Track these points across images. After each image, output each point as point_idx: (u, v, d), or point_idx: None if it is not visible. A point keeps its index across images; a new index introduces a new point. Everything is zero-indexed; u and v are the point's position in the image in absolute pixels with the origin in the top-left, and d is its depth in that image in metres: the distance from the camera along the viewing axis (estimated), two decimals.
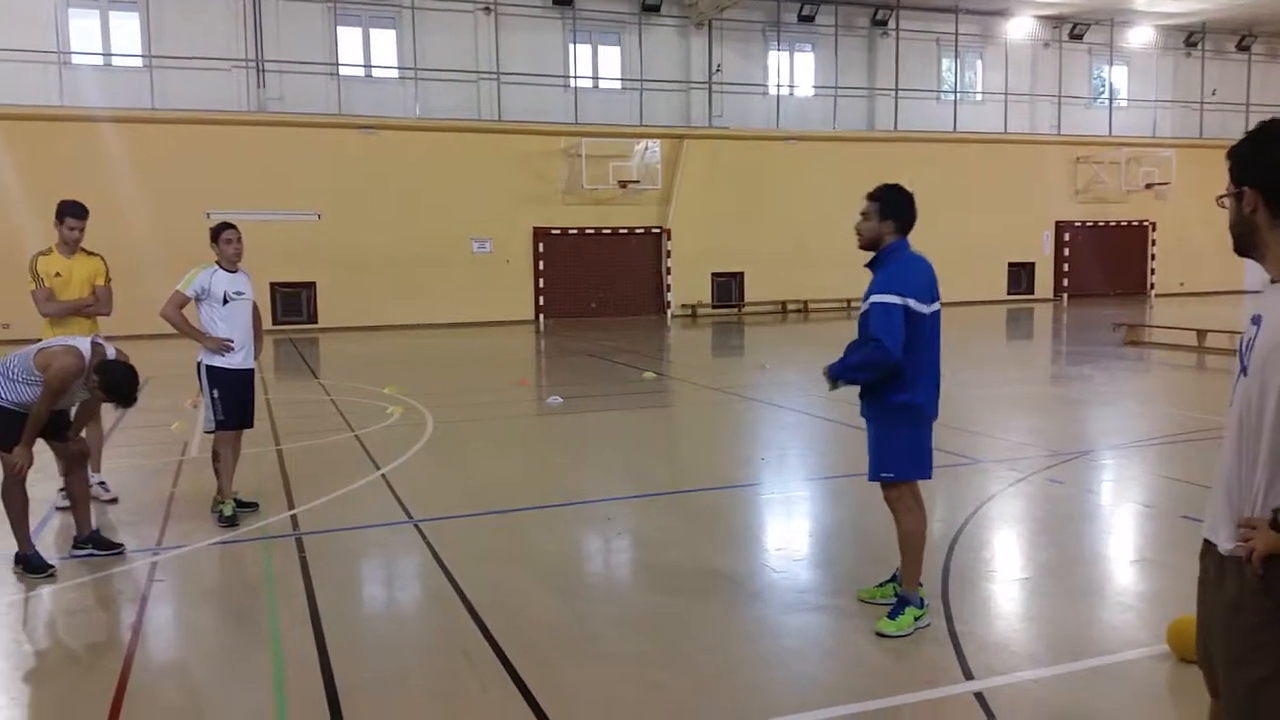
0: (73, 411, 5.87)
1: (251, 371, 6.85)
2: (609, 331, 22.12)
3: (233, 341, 6.60)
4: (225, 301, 6.59)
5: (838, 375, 4.52)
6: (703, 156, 26.43)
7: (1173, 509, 6.62)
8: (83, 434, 6.02)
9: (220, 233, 6.69)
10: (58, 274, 6.97)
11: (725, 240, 26.71)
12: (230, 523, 6.46)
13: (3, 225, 19.39)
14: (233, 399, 6.65)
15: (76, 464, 5.83)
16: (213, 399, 6.61)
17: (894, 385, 4.45)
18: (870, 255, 4.62)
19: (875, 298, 4.42)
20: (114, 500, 7.14)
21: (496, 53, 24.99)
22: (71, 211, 7.05)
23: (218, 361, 6.58)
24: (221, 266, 6.67)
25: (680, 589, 5.18)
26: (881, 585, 4.87)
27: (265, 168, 22.45)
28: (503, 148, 24.56)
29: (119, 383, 5.50)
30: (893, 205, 4.55)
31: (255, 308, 6.91)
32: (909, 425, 4.53)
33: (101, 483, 7.18)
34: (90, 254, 7.19)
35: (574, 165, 25.06)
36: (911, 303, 4.38)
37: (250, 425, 6.92)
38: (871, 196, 4.60)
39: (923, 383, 4.49)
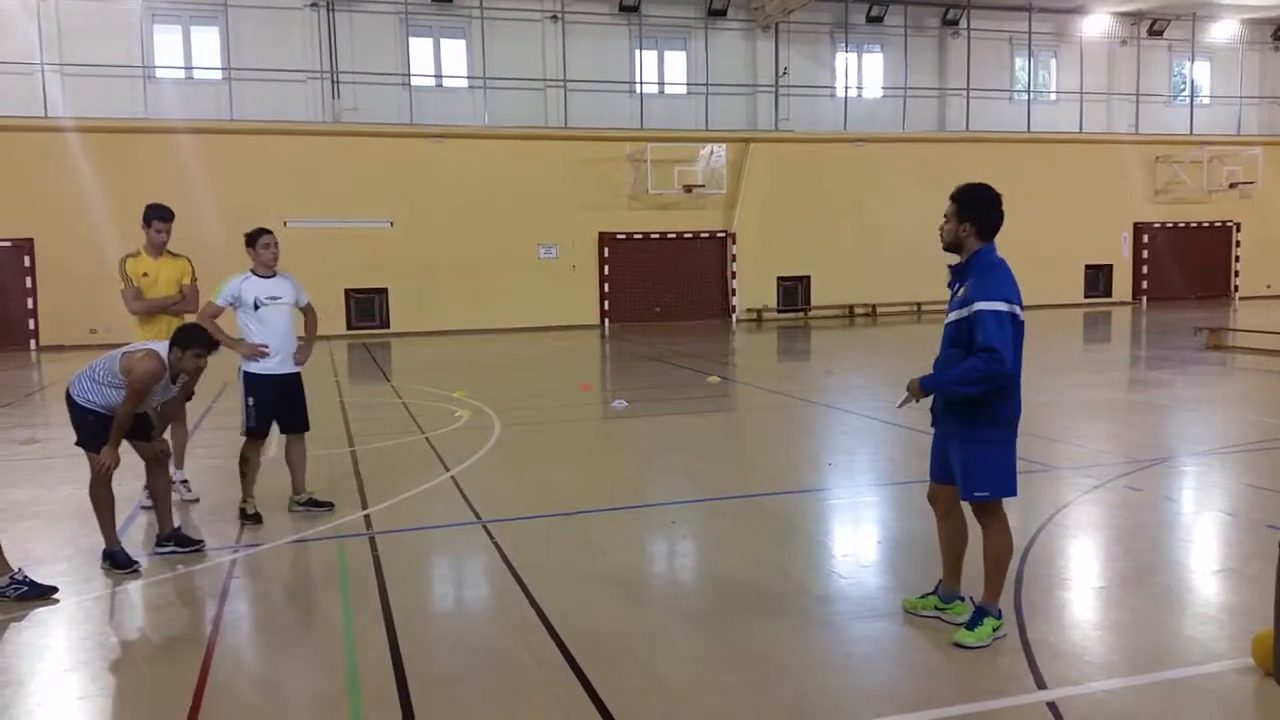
0: (154, 414, 6.07)
1: (293, 375, 6.86)
2: (674, 336, 22.14)
3: (267, 347, 6.63)
4: (257, 307, 6.65)
5: (934, 390, 4.31)
6: (769, 160, 26.31)
7: (1257, 518, 6.39)
8: (165, 435, 6.23)
9: (257, 238, 6.75)
10: (145, 274, 7.25)
11: (791, 244, 26.56)
12: (255, 520, 6.57)
13: (91, 234, 20.18)
14: (269, 405, 6.71)
15: (158, 464, 6.02)
16: (246, 405, 6.67)
17: (997, 399, 4.27)
18: (951, 257, 4.47)
19: (982, 305, 4.19)
20: (195, 500, 7.36)
21: (563, 60, 25.22)
22: (159, 215, 7.33)
23: (254, 367, 6.66)
24: (255, 272, 6.75)
25: (745, 593, 5.17)
26: (924, 597, 4.78)
27: (339, 176, 22.99)
28: (569, 154, 24.78)
29: (193, 337, 5.70)
30: (970, 205, 4.36)
31: (310, 310, 7.00)
32: (1006, 440, 4.37)
33: (184, 481, 7.42)
34: (176, 255, 7.47)
35: (639, 170, 25.17)
36: (1017, 310, 4.22)
37: (306, 428, 6.99)
38: (952, 197, 4.42)
39: (1018, 394, 4.34)
